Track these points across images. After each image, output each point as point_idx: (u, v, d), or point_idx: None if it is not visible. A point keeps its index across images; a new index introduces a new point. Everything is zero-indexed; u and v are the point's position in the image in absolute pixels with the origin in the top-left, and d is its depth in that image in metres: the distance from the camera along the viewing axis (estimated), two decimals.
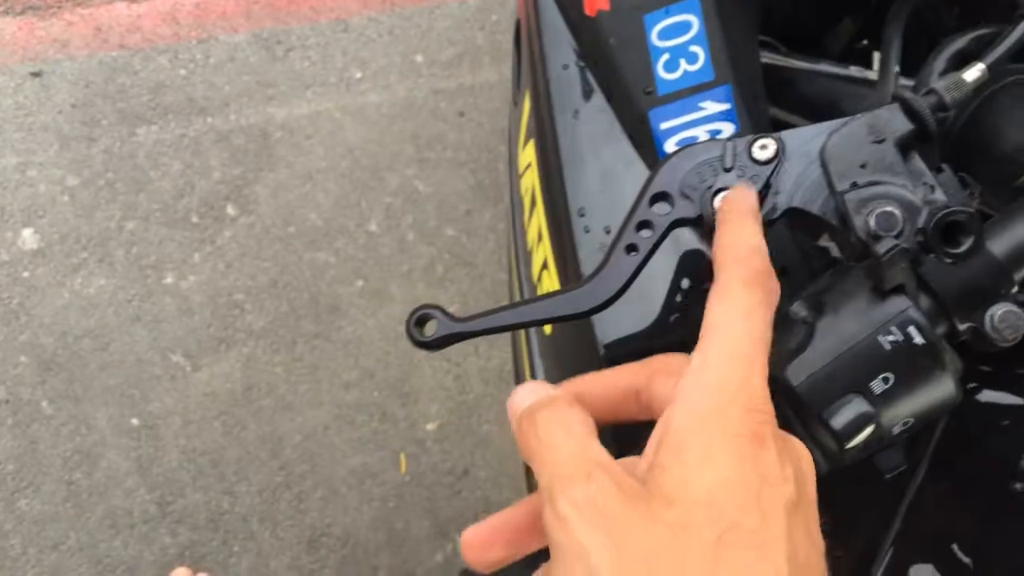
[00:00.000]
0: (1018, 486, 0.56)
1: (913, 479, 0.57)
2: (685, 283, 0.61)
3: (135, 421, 1.61)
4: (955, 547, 0.56)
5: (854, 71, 0.67)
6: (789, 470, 0.33)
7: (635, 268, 0.44)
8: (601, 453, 0.34)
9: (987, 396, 0.60)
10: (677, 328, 0.58)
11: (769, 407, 0.34)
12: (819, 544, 0.33)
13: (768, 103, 0.72)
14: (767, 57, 0.75)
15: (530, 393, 0.39)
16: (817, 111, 0.67)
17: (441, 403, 1.71)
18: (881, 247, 0.38)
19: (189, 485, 1.59)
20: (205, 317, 1.68)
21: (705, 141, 0.45)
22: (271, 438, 1.64)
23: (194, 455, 1.61)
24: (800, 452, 0.35)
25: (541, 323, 0.45)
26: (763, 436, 0.32)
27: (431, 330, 0.43)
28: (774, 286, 0.38)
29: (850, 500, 0.61)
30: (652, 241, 0.45)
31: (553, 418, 0.36)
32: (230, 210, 1.76)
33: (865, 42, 0.85)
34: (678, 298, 0.61)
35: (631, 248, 0.44)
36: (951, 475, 0.57)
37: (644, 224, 0.45)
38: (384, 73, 1.91)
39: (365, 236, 1.79)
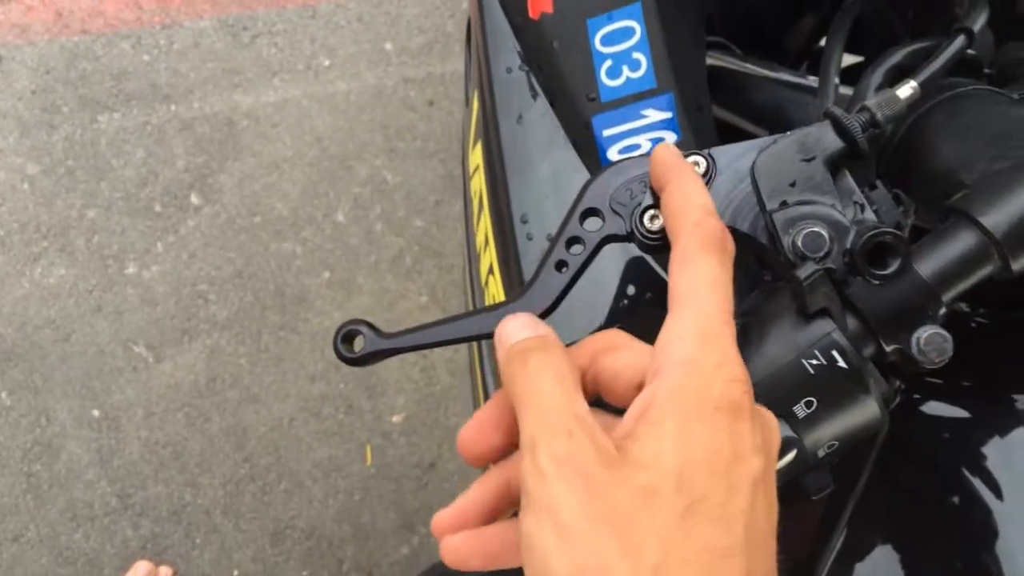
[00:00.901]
0: (955, 499, 0.56)
1: (854, 492, 0.57)
2: (631, 290, 0.61)
3: (96, 413, 1.59)
4: (895, 561, 0.56)
5: (808, 78, 0.67)
6: (759, 440, 0.34)
7: (564, 286, 0.43)
8: (584, 409, 0.34)
9: (929, 408, 0.60)
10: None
11: (745, 373, 0.34)
12: (775, 510, 0.35)
13: (717, 108, 0.71)
14: (720, 59, 0.74)
15: (523, 328, 0.39)
16: (764, 117, 0.67)
17: (408, 395, 1.70)
18: (803, 272, 0.37)
19: (151, 477, 1.58)
20: (168, 308, 1.66)
21: (635, 157, 0.44)
22: (235, 430, 1.62)
23: (156, 447, 1.59)
24: (771, 422, 0.36)
25: (469, 339, 0.44)
26: (741, 406, 0.33)
27: (359, 346, 0.42)
28: (730, 246, 0.39)
29: (791, 513, 0.61)
30: (582, 258, 0.44)
31: (545, 363, 0.36)
32: (194, 199, 1.73)
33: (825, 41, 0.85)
34: (624, 303, 0.61)
35: (561, 265, 0.44)
36: (892, 487, 0.57)
37: (574, 240, 0.44)
38: (353, 61, 1.89)
39: (332, 226, 1.77)
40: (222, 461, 1.60)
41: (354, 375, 1.69)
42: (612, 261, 0.60)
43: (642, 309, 0.60)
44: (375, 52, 1.91)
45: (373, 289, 1.73)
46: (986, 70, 0.52)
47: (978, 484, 0.56)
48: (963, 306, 0.62)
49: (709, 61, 0.75)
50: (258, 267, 1.72)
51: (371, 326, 0.42)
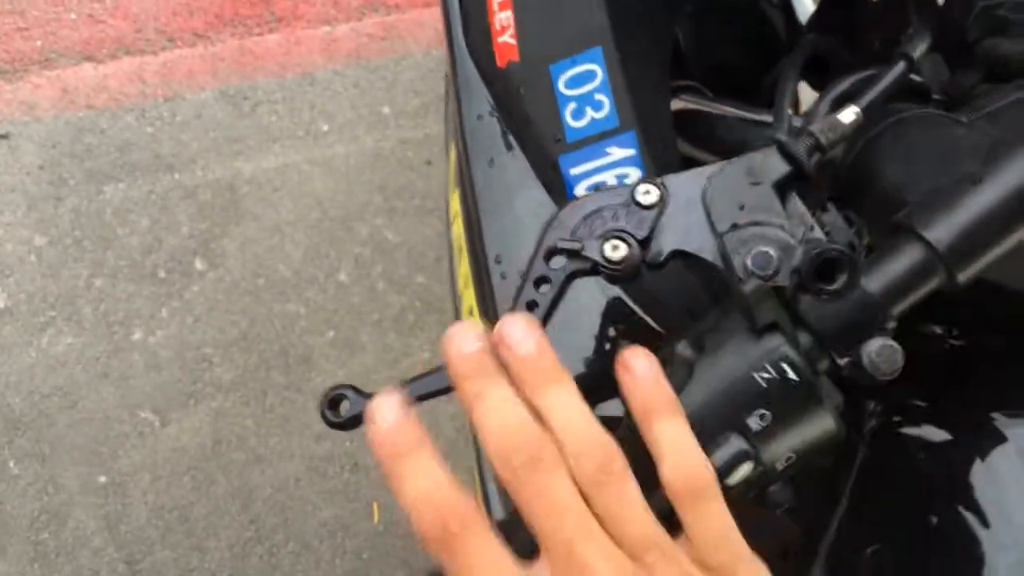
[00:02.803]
0: (934, 519, 0.56)
1: (834, 515, 0.58)
2: (611, 332, 0.62)
3: (103, 479, 1.60)
4: None
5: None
6: None
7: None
8: None
9: (908, 431, 0.61)
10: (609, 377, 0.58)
11: None
12: None
13: (688, 146, 0.73)
14: (690, 101, 0.77)
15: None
16: (733, 152, 0.68)
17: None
18: (747, 287, 0.39)
19: (158, 542, 1.58)
20: (173, 372, 1.68)
21: (591, 193, 0.46)
22: (241, 492, 1.63)
23: (163, 511, 1.59)
24: None
25: (450, 391, 0.45)
26: None
27: (345, 410, 0.43)
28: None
29: (771, 538, 0.61)
30: (551, 296, 0.45)
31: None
32: (198, 264, 1.76)
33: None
34: (607, 346, 0.62)
35: (532, 305, 0.45)
36: (870, 512, 0.58)
37: (542, 280, 0.45)
38: (351, 125, 1.93)
39: (335, 286, 1.80)
40: (228, 524, 1.60)
41: (360, 433, 1.69)
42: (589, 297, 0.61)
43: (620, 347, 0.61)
44: (372, 116, 1.95)
45: (377, 347, 1.75)
46: (936, 96, 0.54)
47: (959, 506, 0.56)
48: (937, 329, 0.63)
49: (680, 103, 0.77)
50: (262, 329, 1.73)
51: (355, 389, 0.44)
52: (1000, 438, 0.57)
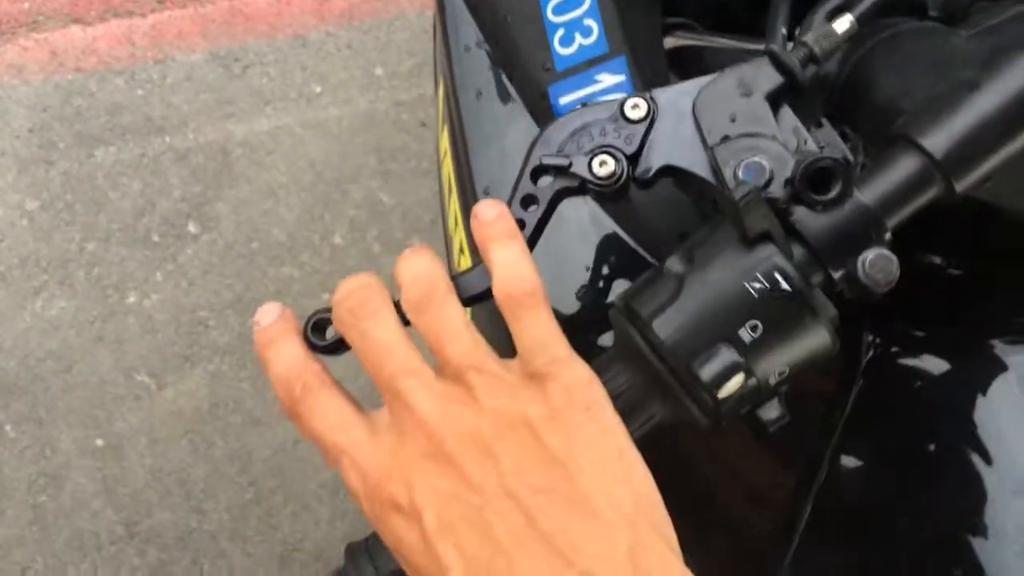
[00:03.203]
0: (931, 447, 0.56)
1: (831, 443, 0.57)
2: (605, 270, 0.61)
3: (100, 442, 1.60)
4: (873, 510, 0.55)
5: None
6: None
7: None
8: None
9: (906, 360, 0.60)
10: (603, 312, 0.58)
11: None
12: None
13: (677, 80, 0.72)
14: (684, 37, 0.75)
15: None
16: None
17: None
18: (738, 193, 0.38)
19: (156, 505, 1.58)
20: (169, 335, 1.67)
21: (577, 109, 0.45)
22: (239, 454, 1.62)
23: (161, 474, 1.59)
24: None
25: None
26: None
27: (330, 334, 0.42)
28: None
29: (769, 465, 0.61)
30: (538, 215, 0.44)
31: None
32: (191, 228, 1.75)
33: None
34: (600, 284, 0.61)
35: (519, 225, 0.44)
36: (865, 444, 0.57)
37: (529, 199, 0.44)
38: (344, 87, 1.91)
39: (330, 249, 1.78)
40: (227, 486, 1.60)
41: (358, 394, 1.68)
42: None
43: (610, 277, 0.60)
44: (366, 77, 1.93)
45: None
46: (933, 14, 0.52)
47: (958, 434, 0.56)
48: (936, 259, 0.62)
49: (673, 41, 0.76)
50: (257, 292, 1.72)
51: None
52: (1000, 365, 0.57)
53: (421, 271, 0.40)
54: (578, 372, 0.38)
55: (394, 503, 0.36)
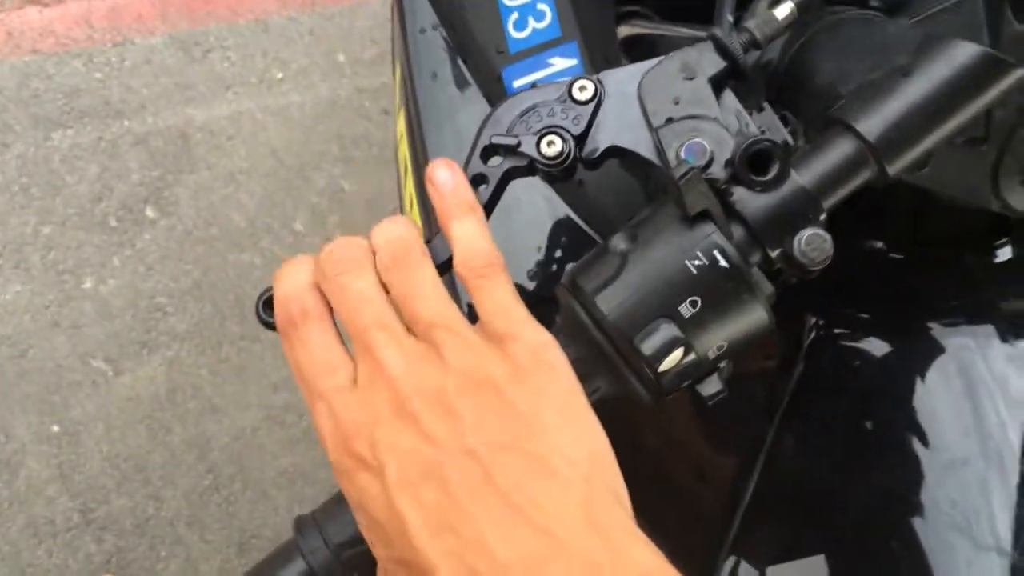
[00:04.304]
0: (869, 425, 0.57)
1: (772, 422, 0.59)
2: (558, 253, 0.62)
3: (55, 428, 1.58)
4: (812, 486, 0.57)
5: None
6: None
7: None
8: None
9: (846, 340, 0.62)
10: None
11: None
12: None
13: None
14: (638, 26, 0.76)
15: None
16: None
17: None
18: (677, 172, 0.39)
19: (113, 491, 1.57)
20: (126, 321, 1.66)
21: (527, 90, 0.46)
22: (198, 441, 1.62)
23: (117, 460, 1.58)
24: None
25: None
26: None
27: None
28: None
29: (712, 445, 0.62)
30: (488, 194, 0.45)
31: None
32: (150, 213, 1.74)
33: None
34: (553, 267, 0.62)
35: None
36: (807, 423, 0.59)
37: (479, 179, 0.45)
38: (306, 73, 1.90)
39: (291, 236, 1.78)
40: (185, 472, 1.59)
41: None
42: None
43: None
44: (328, 64, 1.92)
45: None
46: (874, 2, 0.54)
47: (894, 411, 0.57)
48: (877, 243, 0.64)
49: (628, 29, 0.77)
50: (217, 278, 1.72)
51: None
52: (937, 347, 0.59)
53: (398, 233, 0.41)
54: (540, 334, 0.40)
55: (359, 458, 0.37)
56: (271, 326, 0.43)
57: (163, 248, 1.71)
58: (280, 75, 1.89)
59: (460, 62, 0.61)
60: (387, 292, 0.40)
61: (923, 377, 0.57)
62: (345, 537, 0.42)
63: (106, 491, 1.56)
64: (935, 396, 0.57)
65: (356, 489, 0.37)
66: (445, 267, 0.43)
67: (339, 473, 0.38)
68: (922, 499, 0.54)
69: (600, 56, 0.59)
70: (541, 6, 0.58)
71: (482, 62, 0.59)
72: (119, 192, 1.73)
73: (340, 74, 1.92)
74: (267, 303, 0.43)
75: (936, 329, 0.59)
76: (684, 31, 0.72)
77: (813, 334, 0.60)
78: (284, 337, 0.41)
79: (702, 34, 0.71)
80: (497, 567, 0.34)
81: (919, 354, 0.58)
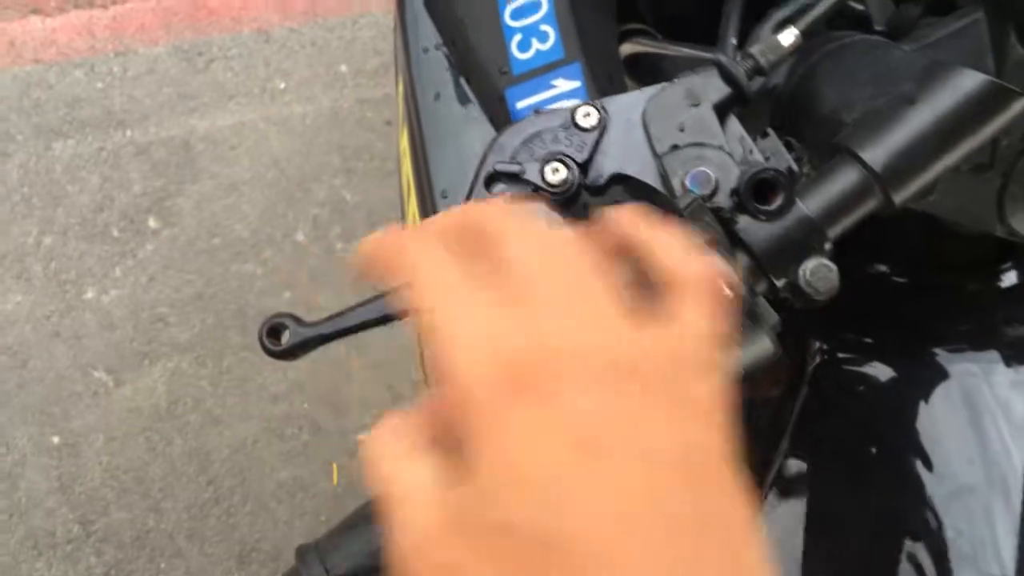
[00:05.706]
0: (873, 450, 0.57)
1: (779, 449, 0.58)
2: None
3: (56, 439, 1.58)
4: (817, 512, 0.57)
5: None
6: None
7: None
8: None
9: (852, 365, 0.61)
10: None
11: None
12: None
13: (634, 86, 0.73)
14: (640, 44, 0.76)
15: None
16: None
17: (373, 413, 1.69)
18: (683, 202, 0.39)
19: (113, 503, 1.56)
20: (127, 332, 1.66)
21: (529, 116, 0.45)
22: (198, 453, 1.61)
23: (118, 472, 1.58)
24: None
25: (391, 319, 0.45)
26: None
27: (286, 339, 0.42)
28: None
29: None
30: None
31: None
32: (152, 223, 1.74)
33: None
34: None
35: None
36: (812, 447, 0.58)
37: None
38: (308, 84, 1.90)
39: (292, 247, 1.78)
40: (185, 485, 1.59)
41: (318, 395, 1.68)
42: None
43: None
44: (330, 75, 1.92)
45: (334, 307, 1.72)
46: (879, 28, 0.54)
47: (899, 436, 0.57)
48: (883, 267, 0.64)
49: (630, 47, 0.76)
50: (218, 289, 1.71)
51: (295, 318, 0.43)
52: (942, 373, 0.58)
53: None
54: None
55: None
56: (276, 355, 0.42)
57: (165, 258, 1.71)
58: (282, 85, 1.89)
59: (463, 82, 0.61)
60: None
61: (928, 403, 0.57)
62: (346, 569, 0.42)
63: (106, 503, 1.56)
64: (940, 422, 0.56)
65: None
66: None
67: None
68: (927, 527, 0.53)
69: (603, 76, 0.59)
70: (544, 27, 0.57)
71: (485, 82, 0.59)
72: (121, 202, 1.73)
73: (342, 85, 1.92)
74: (272, 331, 0.43)
75: (941, 354, 0.59)
76: (687, 51, 0.71)
77: (818, 359, 0.60)
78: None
79: (705, 55, 0.71)
80: None
81: (924, 380, 0.58)
